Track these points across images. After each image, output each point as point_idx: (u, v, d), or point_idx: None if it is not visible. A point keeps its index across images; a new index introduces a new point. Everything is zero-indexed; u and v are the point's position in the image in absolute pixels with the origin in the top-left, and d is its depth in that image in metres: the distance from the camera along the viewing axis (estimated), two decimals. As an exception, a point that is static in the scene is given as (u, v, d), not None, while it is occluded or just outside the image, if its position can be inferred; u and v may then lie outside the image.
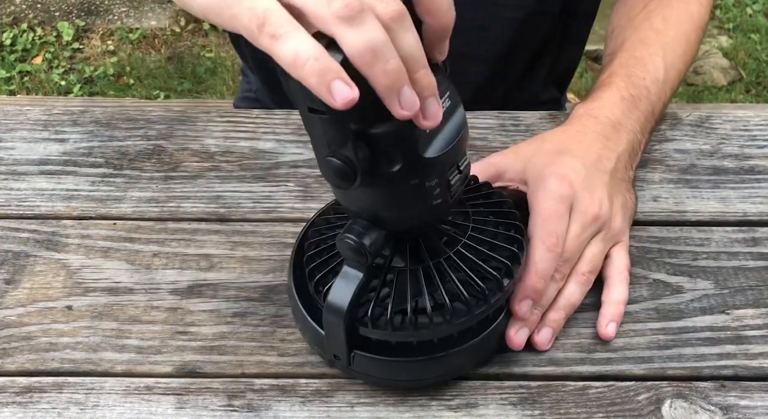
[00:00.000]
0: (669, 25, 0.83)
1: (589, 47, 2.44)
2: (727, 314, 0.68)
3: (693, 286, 0.70)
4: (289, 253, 0.70)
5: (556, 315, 0.65)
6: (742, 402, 0.62)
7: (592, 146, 0.70)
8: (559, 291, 0.65)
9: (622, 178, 0.71)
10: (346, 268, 0.57)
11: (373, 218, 0.56)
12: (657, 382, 0.63)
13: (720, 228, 0.74)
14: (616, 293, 0.67)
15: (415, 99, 0.47)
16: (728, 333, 0.66)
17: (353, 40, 0.45)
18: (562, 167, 0.67)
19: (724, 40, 2.45)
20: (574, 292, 0.66)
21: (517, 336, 0.64)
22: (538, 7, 0.92)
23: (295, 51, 0.46)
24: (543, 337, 0.65)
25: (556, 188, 0.66)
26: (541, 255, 0.63)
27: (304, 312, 0.62)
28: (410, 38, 0.47)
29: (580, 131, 0.72)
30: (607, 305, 0.67)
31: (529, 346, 0.65)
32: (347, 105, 0.45)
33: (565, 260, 0.65)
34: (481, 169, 0.71)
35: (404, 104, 0.47)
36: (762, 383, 0.63)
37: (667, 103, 0.80)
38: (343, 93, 0.45)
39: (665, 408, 0.61)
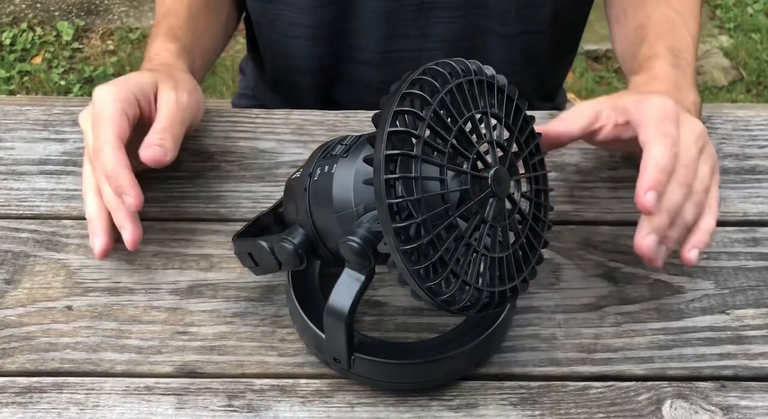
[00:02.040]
0: (682, 3, 0.85)
1: (589, 47, 2.43)
2: (728, 314, 0.68)
3: (693, 286, 0.70)
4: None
5: (672, 233, 0.65)
6: (743, 403, 0.62)
7: (668, 94, 0.70)
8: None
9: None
10: (347, 270, 0.57)
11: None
12: (657, 382, 0.63)
13: (720, 228, 0.74)
14: (704, 222, 0.66)
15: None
16: (729, 333, 0.66)
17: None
18: (656, 95, 0.68)
19: (724, 40, 2.45)
20: (688, 210, 0.65)
21: (645, 241, 0.64)
22: (526, 27, 0.92)
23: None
24: (658, 258, 0.65)
25: (660, 103, 0.66)
26: (660, 150, 0.63)
27: (303, 314, 0.62)
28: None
29: (651, 88, 0.72)
30: (694, 231, 0.66)
31: (530, 346, 0.65)
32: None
33: (685, 165, 0.64)
34: (573, 116, 0.68)
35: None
36: (762, 383, 0.63)
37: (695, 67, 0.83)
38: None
39: (665, 409, 0.61)
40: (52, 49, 2.46)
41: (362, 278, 0.57)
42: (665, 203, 0.63)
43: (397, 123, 0.52)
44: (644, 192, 0.62)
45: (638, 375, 0.64)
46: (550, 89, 1.08)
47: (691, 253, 0.66)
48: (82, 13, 2.58)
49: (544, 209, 0.61)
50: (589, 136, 0.69)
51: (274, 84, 1.03)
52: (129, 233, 0.68)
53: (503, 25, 0.91)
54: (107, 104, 0.68)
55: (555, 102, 1.10)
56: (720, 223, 0.74)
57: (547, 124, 0.67)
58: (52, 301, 0.68)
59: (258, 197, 0.76)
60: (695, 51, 0.82)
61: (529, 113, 0.60)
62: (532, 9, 0.91)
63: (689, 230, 0.66)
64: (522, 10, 0.91)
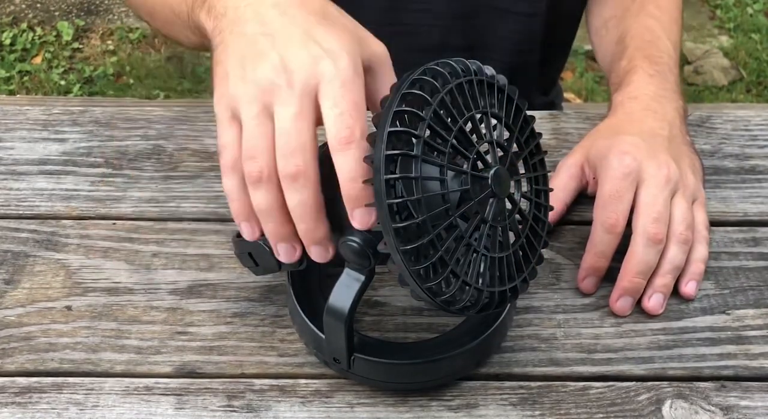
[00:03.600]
0: (663, 11, 0.87)
1: (589, 47, 2.44)
2: (728, 314, 0.68)
3: (693, 286, 0.69)
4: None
5: (664, 280, 0.67)
6: (743, 403, 0.62)
7: (644, 121, 0.73)
8: (662, 256, 0.67)
9: (682, 142, 0.74)
10: (347, 270, 0.57)
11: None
12: (657, 382, 0.63)
13: (720, 228, 0.74)
14: (696, 253, 0.69)
15: (289, 252, 0.57)
16: (729, 333, 0.66)
17: (254, 201, 0.55)
18: (621, 144, 0.69)
19: (724, 40, 2.45)
20: (676, 253, 0.67)
21: (619, 303, 0.67)
22: (526, 7, 0.92)
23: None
24: (655, 303, 0.67)
25: (617, 166, 0.68)
26: (600, 236, 0.67)
27: (302, 314, 0.62)
28: (298, 197, 0.53)
29: (626, 113, 0.75)
30: (688, 263, 0.68)
31: (530, 346, 0.65)
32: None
33: (654, 221, 0.66)
34: (564, 180, 0.73)
35: (280, 255, 0.58)
36: (762, 383, 0.63)
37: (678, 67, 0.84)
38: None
39: (666, 409, 0.61)
40: (52, 49, 2.46)
41: (362, 278, 0.57)
42: (638, 266, 0.66)
43: (397, 123, 0.52)
44: (582, 280, 0.69)
45: (638, 375, 0.63)
46: (547, 81, 1.08)
47: (687, 286, 0.68)
48: (82, 13, 2.59)
49: (544, 209, 0.61)
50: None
51: None
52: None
53: (504, 2, 0.92)
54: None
55: (549, 96, 1.10)
56: (720, 223, 0.74)
57: None
58: (52, 301, 0.68)
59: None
60: (678, 57, 0.83)
61: (529, 112, 0.60)
62: None
63: (678, 268, 0.68)
64: None
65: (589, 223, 0.74)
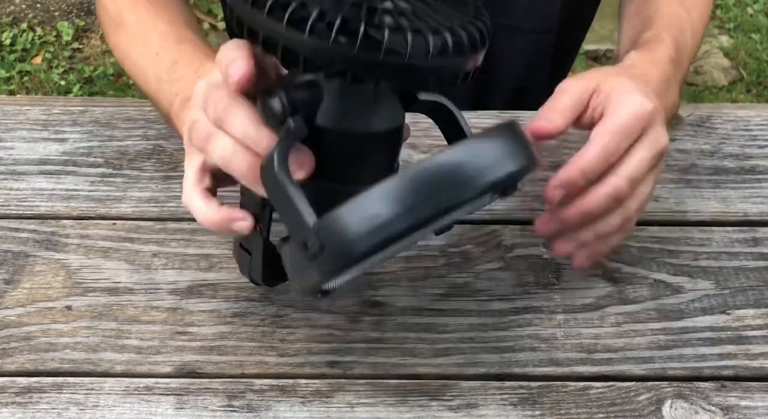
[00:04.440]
0: (693, 4, 0.83)
1: (588, 47, 2.43)
2: (728, 314, 0.68)
3: (693, 286, 0.70)
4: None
5: (586, 235, 0.65)
6: (743, 403, 0.62)
7: (657, 90, 0.69)
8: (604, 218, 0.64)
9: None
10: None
11: None
12: (657, 382, 0.63)
13: (721, 228, 0.74)
14: (615, 238, 0.66)
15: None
16: (729, 333, 0.66)
17: (212, 158, 0.58)
18: (645, 92, 0.65)
19: (724, 40, 2.45)
20: (615, 220, 0.64)
21: (547, 226, 0.65)
22: (542, 25, 0.91)
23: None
24: (560, 247, 0.66)
25: (640, 106, 0.64)
26: (594, 153, 0.62)
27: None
28: (234, 124, 0.55)
29: (643, 69, 0.71)
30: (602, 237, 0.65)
31: (530, 346, 0.65)
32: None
33: (625, 179, 0.63)
34: (572, 100, 0.66)
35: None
36: (762, 383, 0.63)
37: (685, 75, 0.80)
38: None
39: (666, 409, 0.61)
40: (52, 49, 2.46)
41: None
42: (585, 205, 0.63)
43: None
44: (553, 188, 0.62)
45: (638, 375, 0.63)
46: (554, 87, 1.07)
47: (579, 257, 0.66)
48: (82, 13, 2.59)
49: None
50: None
51: None
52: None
53: (515, 20, 0.91)
54: None
55: None
56: (720, 223, 0.74)
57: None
58: (52, 301, 0.68)
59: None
60: (694, 55, 0.81)
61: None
62: (544, 6, 0.90)
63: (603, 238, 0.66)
64: (533, 7, 0.90)
65: (589, 223, 0.74)
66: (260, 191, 0.54)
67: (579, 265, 0.67)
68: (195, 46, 0.74)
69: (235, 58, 0.54)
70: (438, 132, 0.61)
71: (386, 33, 0.48)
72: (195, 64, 0.71)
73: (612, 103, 0.64)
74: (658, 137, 0.64)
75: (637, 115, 0.63)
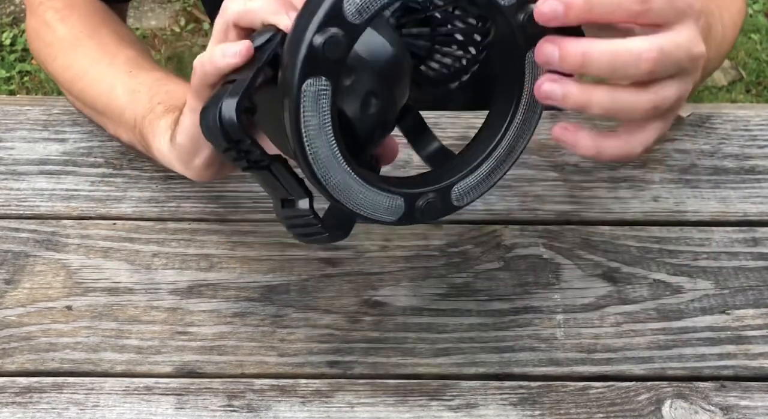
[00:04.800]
0: (727, 10, 0.76)
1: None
2: (728, 314, 0.68)
3: (693, 286, 0.70)
4: (290, 253, 0.71)
5: (599, 96, 0.52)
6: (743, 403, 0.62)
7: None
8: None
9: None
10: None
11: None
12: (657, 382, 0.63)
13: (720, 228, 0.74)
14: (608, 144, 0.55)
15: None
16: (728, 333, 0.66)
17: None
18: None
19: (724, 40, 2.45)
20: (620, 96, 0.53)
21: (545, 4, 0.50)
22: None
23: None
24: (551, 87, 0.53)
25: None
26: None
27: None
28: None
29: None
30: (589, 136, 0.54)
31: (529, 346, 0.65)
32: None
33: (660, 50, 0.51)
34: None
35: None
36: (762, 383, 0.63)
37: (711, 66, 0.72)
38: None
39: (665, 409, 0.61)
40: (52, 49, 2.46)
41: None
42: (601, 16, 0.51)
43: None
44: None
45: (638, 375, 0.64)
46: None
47: (583, 138, 0.55)
48: (82, 13, 2.58)
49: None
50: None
51: None
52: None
53: None
54: None
55: None
56: (720, 223, 0.74)
57: None
58: (52, 301, 0.68)
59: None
60: (721, 54, 0.74)
61: None
62: None
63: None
64: None
65: (589, 223, 0.74)
66: (283, 20, 0.53)
67: (582, 150, 0.55)
68: (168, 73, 0.75)
69: None
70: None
71: None
72: (181, 83, 0.72)
73: None
74: (697, 38, 0.54)
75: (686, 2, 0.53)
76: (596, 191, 0.77)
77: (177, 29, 2.54)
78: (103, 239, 0.73)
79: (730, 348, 0.65)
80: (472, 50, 0.58)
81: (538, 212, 0.75)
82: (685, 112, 0.85)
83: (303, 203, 0.55)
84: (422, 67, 0.59)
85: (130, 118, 0.72)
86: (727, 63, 2.36)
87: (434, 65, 0.59)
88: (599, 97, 0.52)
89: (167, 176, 0.78)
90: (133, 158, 0.79)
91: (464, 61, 0.59)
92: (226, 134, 0.52)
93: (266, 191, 0.57)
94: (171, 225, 0.74)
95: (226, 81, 0.55)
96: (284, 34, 0.52)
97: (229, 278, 0.70)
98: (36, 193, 0.76)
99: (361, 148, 0.55)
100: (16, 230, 0.73)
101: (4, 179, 0.78)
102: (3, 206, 0.75)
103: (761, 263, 0.71)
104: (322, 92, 0.50)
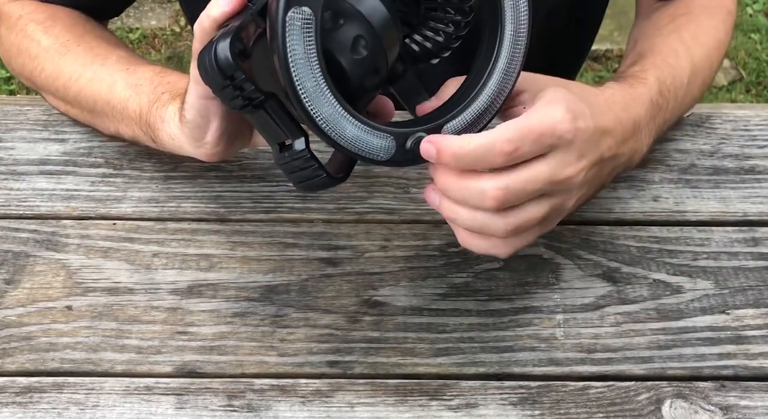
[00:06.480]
0: (698, 43, 0.78)
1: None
2: (728, 314, 0.68)
3: (693, 286, 0.70)
4: (290, 253, 0.71)
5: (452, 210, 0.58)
6: (742, 402, 0.62)
7: (611, 126, 0.63)
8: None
9: (608, 173, 0.66)
10: None
11: None
12: (657, 382, 0.63)
13: (720, 228, 0.74)
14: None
15: None
16: (728, 333, 0.66)
17: None
18: (577, 110, 0.59)
19: (724, 40, 2.45)
20: (489, 220, 0.57)
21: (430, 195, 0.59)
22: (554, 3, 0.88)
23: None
24: (430, 196, 0.59)
25: (557, 117, 0.57)
26: (477, 144, 0.55)
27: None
28: None
29: (608, 103, 0.65)
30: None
31: (529, 346, 0.65)
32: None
33: (505, 189, 0.56)
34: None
35: None
36: (762, 383, 0.63)
37: (670, 122, 0.76)
38: None
39: (665, 408, 0.61)
40: (52, 49, 2.46)
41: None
42: (448, 185, 0.58)
43: None
44: (426, 140, 0.57)
45: (638, 375, 0.64)
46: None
47: (457, 231, 0.60)
48: (82, 13, 2.58)
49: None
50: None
51: None
52: None
53: None
54: None
55: None
56: (720, 223, 0.74)
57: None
58: (52, 301, 0.68)
59: (258, 197, 0.76)
60: (691, 98, 0.77)
61: None
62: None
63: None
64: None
65: (589, 223, 0.74)
66: None
67: (461, 240, 0.60)
68: (165, 67, 0.76)
69: None
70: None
71: None
72: (180, 75, 0.73)
73: (533, 106, 0.59)
74: (564, 165, 0.58)
75: (548, 126, 0.56)
76: (596, 191, 0.77)
77: (177, 29, 2.54)
78: (103, 239, 0.73)
79: (730, 348, 0.65)
80: (454, 25, 0.61)
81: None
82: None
83: (299, 144, 0.56)
84: (407, 41, 0.62)
85: (134, 110, 0.72)
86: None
87: (418, 39, 0.62)
88: (463, 216, 0.58)
89: (167, 176, 0.78)
90: (133, 158, 0.79)
91: (445, 37, 0.61)
92: (221, 70, 0.54)
93: (264, 137, 0.59)
94: (171, 225, 0.74)
95: (219, 31, 0.57)
96: None
97: (229, 278, 0.70)
98: (36, 193, 0.76)
99: (355, 97, 0.57)
100: (17, 230, 0.73)
101: (4, 179, 0.78)
102: (3, 206, 0.75)
103: (761, 263, 0.71)
104: (307, 22, 0.52)
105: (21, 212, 0.75)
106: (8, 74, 2.35)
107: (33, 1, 0.83)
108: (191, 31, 0.84)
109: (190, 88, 0.63)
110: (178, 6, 2.49)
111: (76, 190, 0.77)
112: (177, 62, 2.43)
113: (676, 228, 0.74)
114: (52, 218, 0.74)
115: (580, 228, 0.74)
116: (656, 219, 0.75)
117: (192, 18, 0.99)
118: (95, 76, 0.76)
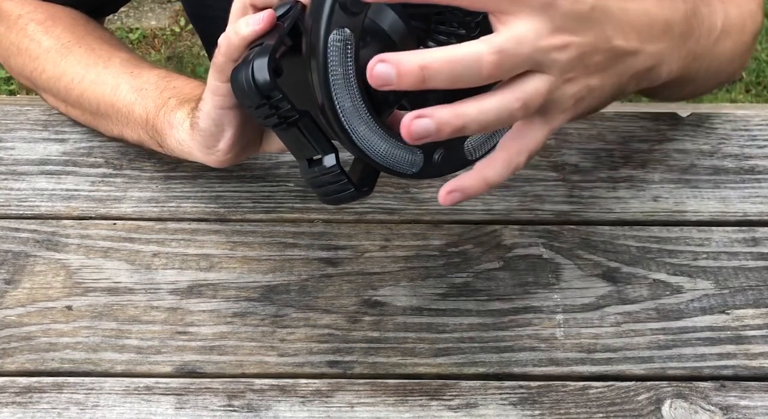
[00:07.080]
0: (734, 3, 0.70)
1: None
2: (727, 314, 0.68)
3: (693, 286, 0.70)
4: (290, 253, 0.71)
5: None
6: (742, 402, 0.62)
7: (630, 15, 0.54)
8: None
9: (627, 74, 0.56)
10: None
11: None
12: (657, 382, 0.63)
13: (720, 228, 0.74)
14: (490, 171, 0.53)
15: None
16: (728, 333, 0.66)
17: None
18: None
19: (724, 40, 2.45)
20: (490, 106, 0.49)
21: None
22: None
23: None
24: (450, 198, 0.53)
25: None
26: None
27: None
28: None
29: None
30: (471, 172, 0.53)
31: (529, 346, 0.65)
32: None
33: (507, 51, 0.48)
34: None
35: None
36: (762, 383, 0.63)
37: (695, 66, 0.64)
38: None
39: (665, 408, 0.61)
40: (52, 49, 2.46)
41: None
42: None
43: None
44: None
45: (638, 375, 0.64)
46: None
47: (448, 195, 0.53)
48: (82, 14, 2.58)
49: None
50: None
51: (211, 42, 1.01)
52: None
53: None
54: None
55: None
56: (720, 223, 0.75)
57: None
58: (52, 301, 0.68)
59: (258, 197, 0.76)
60: (719, 45, 0.66)
61: None
62: None
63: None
64: None
65: (589, 223, 0.74)
66: None
67: (445, 202, 0.53)
68: (169, 70, 0.76)
69: None
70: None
71: None
72: (185, 79, 0.73)
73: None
74: (550, 32, 0.49)
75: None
76: (596, 191, 0.77)
77: (177, 29, 2.54)
78: (103, 239, 0.73)
79: (730, 348, 0.65)
80: (464, 31, 0.61)
81: (537, 212, 0.75)
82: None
83: (329, 160, 0.57)
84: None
85: (140, 115, 0.72)
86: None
87: (432, 45, 0.62)
88: (469, 110, 0.49)
89: (167, 176, 0.78)
90: (133, 158, 0.80)
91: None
92: (259, 90, 0.55)
93: (293, 152, 0.59)
94: (171, 225, 0.74)
95: (250, 48, 0.58)
96: (302, 5, 0.56)
97: (229, 278, 0.70)
98: (36, 193, 0.76)
99: (379, 111, 0.57)
100: (16, 230, 0.73)
101: (4, 179, 0.78)
102: (3, 206, 0.75)
103: (761, 263, 0.71)
104: (347, 44, 0.52)
105: (21, 212, 0.75)
106: (8, 74, 2.35)
107: None
108: (191, 32, 0.84)
109: (206, 97, 0.63)
110: (178, 6, 2.50)
111: (76, 190, 0.77)
112: (177, 62, 2.43)
113: (676, 228, 0.74)
114: (52, 218, 0.74)
115: (580, 228, 0.74)
116: (656, 219, 0.75)
117: (192, 15, 1.00)
118: (98, 78, 0.76)
